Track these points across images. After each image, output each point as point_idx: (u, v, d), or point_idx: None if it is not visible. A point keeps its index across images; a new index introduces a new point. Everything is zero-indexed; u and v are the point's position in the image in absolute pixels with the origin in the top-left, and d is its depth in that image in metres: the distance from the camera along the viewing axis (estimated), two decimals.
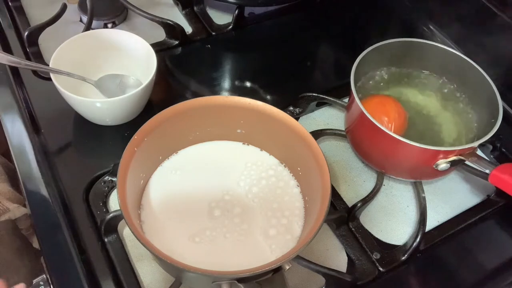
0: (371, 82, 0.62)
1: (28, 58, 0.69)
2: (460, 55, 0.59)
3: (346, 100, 0.64)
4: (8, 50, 0.70)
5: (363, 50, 0.58)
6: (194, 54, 0.73)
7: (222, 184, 0.52)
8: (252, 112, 0.51)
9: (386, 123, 0.56)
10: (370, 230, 0.56)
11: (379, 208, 0.58)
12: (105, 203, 0.56)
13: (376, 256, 0.54)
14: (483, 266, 0.55)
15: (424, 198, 0.57)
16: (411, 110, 0.60)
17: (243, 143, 0.56)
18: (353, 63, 0.56)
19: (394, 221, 0.58)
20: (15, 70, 0.67)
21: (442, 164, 0.52)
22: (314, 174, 0.47)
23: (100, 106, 0.58)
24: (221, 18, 0.78)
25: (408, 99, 0.62)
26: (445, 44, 0.61)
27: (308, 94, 0.65)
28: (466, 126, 0.59)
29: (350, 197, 0.59)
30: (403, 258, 0.54)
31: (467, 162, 0.52)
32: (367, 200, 0.57)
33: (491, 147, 0.64)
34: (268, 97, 0.68)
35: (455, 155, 0.52)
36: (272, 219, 0.50)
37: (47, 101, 0.64)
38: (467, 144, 0.51)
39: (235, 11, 0.75)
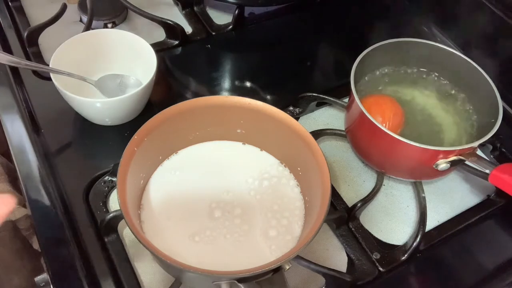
0: (371, 82, 0.62)
1: (28, 58, 0.69)
2: (460, 55, 0.59)
3: (346, 100, 0.64)
4: (8, 50, 0.70)
5: (363, 50, 0.58)
6: (194, 54, 0.73)
7: (222, 184, 0.52)
8: (252, 112, 0.51)
9: (381, 123, 0.56)
10: (370, 230, 0.56)
11: (379, 208, 0.58)
12: (105, 203, 0.56)
13: (376, 256, 0.54)
14: (483, 266, 0.55)
15: (424, 198, 0.57)
16: (411, 110, 0.60)
17: (243, 143, 0.56)
18: (353, 63, 0.56)
19: (394, 221, 0.58)
20: (15, 70, 0.67)
21: (442, 164, 0.52)
22: (314, 174, 0.47)
23: (100, 106, 0.58)
24: (221, 18, 0.78)
25: (408, 99, 0.62)
26: (445, 44, 0.61)
27: (308, 94, 0.65)
28: (466, 126, 0.59)
29: (350, 197, 0.59)
30: (403, 258, 0.54)
31: (467, 162, 0.52)
32: (367, 200, 0.57)
33: (491, 147, 0.64)
34: (268, 97, 0.68)
35: (455, 155, 0.52)
36: (272, 219, 0.50)
37: (47, 101, 0.64)
38: (467, 144, 0.51)
39: (235, 11, 0.75)
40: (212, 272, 0.40)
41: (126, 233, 0.54)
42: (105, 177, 0.57)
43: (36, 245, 0.76)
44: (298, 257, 0.49)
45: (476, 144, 0.51)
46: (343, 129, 0.62)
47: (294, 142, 0.50)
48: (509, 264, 0.55)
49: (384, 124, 0.56)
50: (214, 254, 0.47)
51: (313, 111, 0.68)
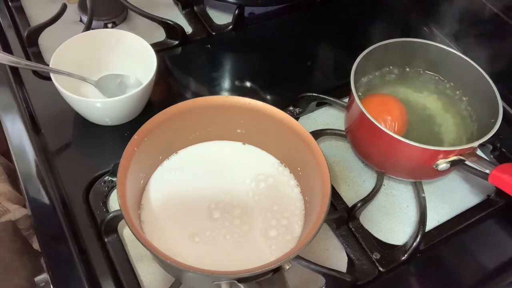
0: (371, 82, 0.62)
1: (28, 58, 0.69)
2: (460, 55, 0.59)
3: (346, 100, 0.64)
4: (8, 50, 0.70)
5: (363, 50, 0.58)
6: (194, 54, 0.73)
7: (222, 184, 0.52)
8: (252, 112, 0.51)
9: (390, 122, 0.56)
10: (370, 230, 0.56)
11: (379, 208, 0.58)
12: (105, 203, 0.56)
13: (376, 256, 0.54)
14: (483, 266, 0.55)
15: (424, 198, 0.57)
16: (411, 110, 0.60)
17: (243, 143, 0.56)
18: (353, 63, 0.56)
19: (394, 221, 0.58)
20: (15, 70, 0.67)
21: (442, 164, 0.52)
22: (314, 174, 0.47)
23: (100, 106, 0.58)
24: (221, 18, 0.78)
25: (408, 99, 0.62)
26: (445, 44, 0.61)
27: (308, 94, 0.65)
28: (466, 126, 0.59)
29: (350, 197, 0.59)
30: (403, 258, 0.54)
31: (467, 162, 0.52)
32: (367, 200, 0.57)
33: (491, 147, 0.64)
34: (268, 97, 0.68)
35: (455, 155, 0.52)
36: (272, 220, 0.50)
37: (47, 101, 0.64)
38: (467, 144, 0.51)
39: (235, 11, 0.75)
40: (212, 272, 0.40)
41: (126, 233, 0.54)
42: (105, 177, 0.57)
43: (36, 245, 0.76)
44: (298, 257, 0.49)
45: (476, 144, 0.51)
46: (343, 129, 0.62)
47: (294, 142, 0.50)
48: (509, 264, 0.55)
49: (393, 123, 0.56)
50: (214, 254, 0.47)
51: (313, 111, 0.68)
